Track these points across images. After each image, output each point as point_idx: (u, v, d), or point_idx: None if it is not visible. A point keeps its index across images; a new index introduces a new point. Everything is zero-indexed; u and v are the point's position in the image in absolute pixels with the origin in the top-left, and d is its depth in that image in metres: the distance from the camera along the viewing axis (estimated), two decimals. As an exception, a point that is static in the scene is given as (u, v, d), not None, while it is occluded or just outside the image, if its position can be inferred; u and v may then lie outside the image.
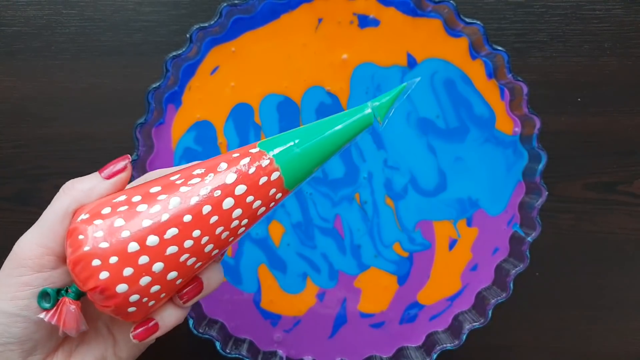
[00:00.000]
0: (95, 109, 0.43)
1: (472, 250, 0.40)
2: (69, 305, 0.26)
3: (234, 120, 0.39)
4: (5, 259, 0.44)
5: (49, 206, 0.28)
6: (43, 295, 0.26)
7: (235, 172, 0.27)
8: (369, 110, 0.28)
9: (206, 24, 0.36)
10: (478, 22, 0.36)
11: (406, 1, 0.38)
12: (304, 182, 0.29)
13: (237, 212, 0.27)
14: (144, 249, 0.25)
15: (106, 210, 0.26)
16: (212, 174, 0.27)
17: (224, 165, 0.27)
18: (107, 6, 0.43)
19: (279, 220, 0.40)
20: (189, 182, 0.27)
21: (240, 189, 0.27)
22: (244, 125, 0.39)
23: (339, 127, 0.28)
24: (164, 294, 0.27)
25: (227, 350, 0.38)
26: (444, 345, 0.39)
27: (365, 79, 0.38)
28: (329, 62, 0.38)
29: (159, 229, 0.26)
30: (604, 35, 0.43)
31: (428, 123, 0.39)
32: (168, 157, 0.39)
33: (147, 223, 0.25)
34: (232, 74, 0.38)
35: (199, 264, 0.27)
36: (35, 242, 0.26)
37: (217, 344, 0.38)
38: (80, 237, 0.25)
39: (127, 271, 0.25)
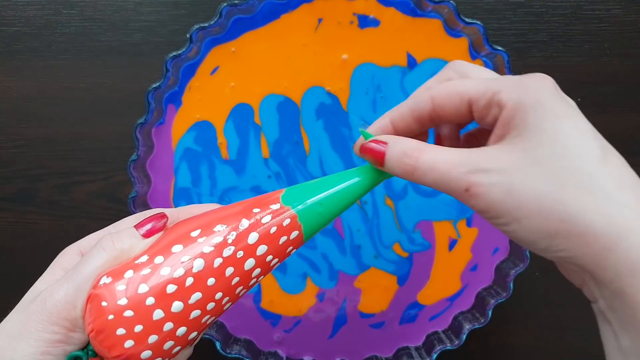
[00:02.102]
0: (95, 109, 0.43)
1: (472, 251, 0.40)
2: None
3: (234, 120, 0.39)
4: (5, 259, 0.44)
5: (83, 260, 0.26)
6: (73, 359, 0.25)
7: (258, 232, 0.26)
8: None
9: (206, 24, 0.36)
10: (478, 22, 0.36)
11: (406, 1, 0.38)
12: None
13: (257, 271, 0.27)
14: (168, 315, 0.25)
15: (129, 274, 0.25)
16: (234, 233, 0.26)
17: (245, 223, 0.27)
18: (107, 6, 0.43)
19: (279, 220, 0.40)
20: (212, 242, 0.26)
21: (262, 250, 0.27)
22: (244, 126, 0.39)
23: (359, 182, 0.28)
24: (179, 347, 0.27)
25: (227, 350, 0.38)
26: (444, 345, 0.39)
27: (365, 79, 0.38)
28: (329, 63, 0.38)
29: (183, 294, 0.25)
30: (604, 35, 0.43)
31: (428, 123, 0.39)
32: (168, 157, 0.39)
33: (171, 289, 0.25)
34: (232, 74, 0.38)
35: (213, 319, 0.27)
36: (71, 302, 0.25)
37: (217, 344, 0.38)
38: (104, 304, 0.24)
39: (152, 338, 0.25)
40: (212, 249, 0.26)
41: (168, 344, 0.25)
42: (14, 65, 0.43)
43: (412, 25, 0.38)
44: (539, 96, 0.23)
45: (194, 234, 0.26)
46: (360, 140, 0.27)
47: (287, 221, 0.27)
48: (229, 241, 0.26)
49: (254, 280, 0.27)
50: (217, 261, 0.26)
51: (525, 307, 0.44)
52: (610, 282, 0.22)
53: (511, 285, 0.38)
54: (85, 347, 0.26)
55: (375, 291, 0.40)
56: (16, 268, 0.45)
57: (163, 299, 0.25)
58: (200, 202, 0.39)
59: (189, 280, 0.25)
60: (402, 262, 0.40)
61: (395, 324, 0.41)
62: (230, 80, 0.38)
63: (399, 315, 0.41)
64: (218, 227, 0.26)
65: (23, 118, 0.43)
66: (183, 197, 0.39)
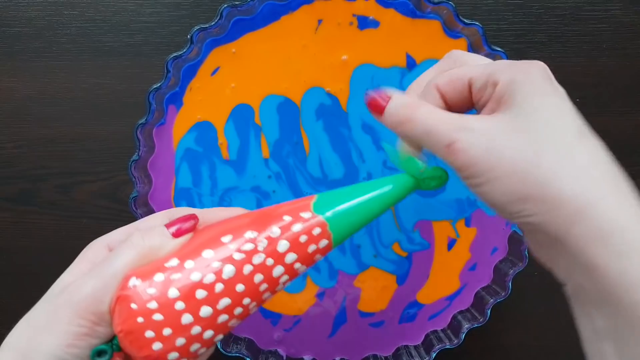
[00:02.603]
0: (96, 109, 0.43)
1: (471, 250, 0.40)
2: None
3: (235, 121, 0.39)
4: (6, 260, 0.44)
5: (112, 256, 0.26)
6: (99, 352, 0.26)
7: (288, 241, 0.27)
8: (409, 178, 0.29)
9: (207, 25, 0.36)
10: (477, 23, 0.37)
11: (405, 2, 0.38)
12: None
13: (284, 278, 0.27)
14: (197, 320, 0.25)
15: (159, 278, 0.25)
16: (265, 240, 0.26)
17: (276, 231, 0.27)
18: (108, 7, 0.43)
19: (279, 220, 0.40)
20: (242, 248, 0.26)
21: (291, 258, 0.27)
22: (245, 126, 0.39)
23: (391, 190, 0.28)
24: (205, 349, 0.27)
25: (228, 349, 0.38)
26: (443, 344, 0.39)
27: (365, 80, 0.39)
28: (328, 63, 0.38)
29: (212, 299, 0.25)
30: (603, 36, 0.43)
31: (427, 124, 0.39)
32: (169, 158, 0.39)
33: (201, 294, 0.25)
34: (232, 75, 0.38)
35: (240, 321, 0.28)
36: (98, 297, 0.25)
37: (218, 343, 0.38)
38: (133, 306, 0.25)
39: (180, 341, 0.25)
40: (243, 255, 0.26)
41: (194, 346, 0.26)
42: (15, 65, 0.43)
43: (412, 26, 0.38)
44: (529, 76, 0.24)
45: (225, 239, 0.26)
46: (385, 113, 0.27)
47: (318, 230, 0.27)
48: (260, 248, 0.26)
49: (281, 286, 0.27)
50: (247, 268, 0.26)
51: (523, 306, 0.45)
52: (580, 252, 0.22)
53: (510, 284, 0.38)
54: (110, 340, 0.26)
55: (375, 290, 0.40)
56: (17, 268, 0.45)
57: (192, 303, 0.25)
58: (200, 202, 0.39)
59: (219, 286, 0.25)
60: (401, 262, 0.40)
61: (394, 323, 0.41)
62: (230, 81, 0.39)
63: (398, 315, 0.41)
64: (249, 234, 0.27)
65: (24, 118, 0.44)
66: (184, 197, 0.39)
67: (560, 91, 0.25)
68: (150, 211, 0.39)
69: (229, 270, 0.26)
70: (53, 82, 0.43)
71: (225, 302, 0.26)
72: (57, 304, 0.26)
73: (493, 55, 0.37)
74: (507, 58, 0.37)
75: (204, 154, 0.39)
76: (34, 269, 0.45)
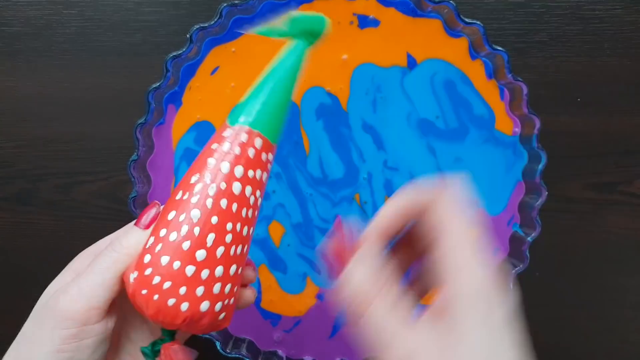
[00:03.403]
0: (95, 109, 0.43)
1: (472, 250, 0.40)
2: (172, 347, 0.28)
3: (234, 120, 0.39)
4: (5, 259, 0.44)
5: (96, 260, 0.28)
6: (153, 348, 0.28)
7: (226, 160, 0.28)
8: (293, 41, 0.30)
9: (206, 24, 0.36)
10: (478, 22, 0.36)
11: (406, 1, 0.38)
12: (283, 130, 0.30)
13: (248, 189, 0.28)
14: (199, 265, 0.26)
15: (147, 258, 0.27)
16: (208, 173, 0.28)
17: (212, 161, 0.28)
18: (108, 6, 0.43)
19: (279, 220, 0.40)
20: (194, 191, 0.27)
21: (239, 171, 0.28)
22: (244, 126, 0.39)
23: (278, 64, 0.30)
24: (236, 287, 0.28)
25: (227, 350, 0.38)
26: (444, 345, 0.39)
27: (365, 80, 0.38)
28: (329, 63, 0.38)
29: (199, 242, 0.27)
30: (604, 35, 0.43)
31: (428, 124, 0.39)
32: (168, 157, 0.39)
33: (187, 245, 0.26)
34: (232, 75, 0.38)
35: (246, 247, 0.29)
36: (84, 301, 0.26)
37: (217, 344, 0.38)
38: (144, 292, 0.26)
39: (200, 290, 0.26)
40: (198, 196, 0.27)
41: (216, 287, 0.27)
42: (14, 65, 0.43)
43: (412, 26, 0.38)
44: (472, 299, 0.24)
45: (178, 196, 0.28)
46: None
47: (244, 136, 0.28)
48: (208, 181, 0.27)
49: (253, 198, 0.28)
50: (209, 202, 0.27)
51: (524, 307, 0.44)
52: None
53: (511, 285, 0.38)
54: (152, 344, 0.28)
55: (375, 291, 0.40)
56: (16, 268, 0.45)
57: (185, 256, 0.26)
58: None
59: (197, 230, 0.26)
60: (402, 262, 0.40)
61: (395, 324, 0.41)
62: (230, 81, 0.38)
63: (398, 315, 0.41)
64: (193, 179, 0.28)
65: (23, 118, 0.44)
66: (183, 197, 0.39)
67: (501, 312, 0.25)
68: (150, 211, 0.39)
69: (195, 214, 0.27)
70: (52, 81, 0.43)
71: (211, 237, 0.27)
72: (42, 313, 0.27)
73: (494, 55, 0.37)
74: (508, 57, 0.37)
75: (204, 153, 0.39)
76: (34, 269, 0.45)
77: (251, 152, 0.28)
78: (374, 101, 0.39)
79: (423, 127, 0.39)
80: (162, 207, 0.29)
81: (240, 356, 0.38)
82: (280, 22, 0.30)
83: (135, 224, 0.28)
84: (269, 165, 0.29)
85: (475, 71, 0.39)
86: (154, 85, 0.36)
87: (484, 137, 0.39)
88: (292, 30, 0.30)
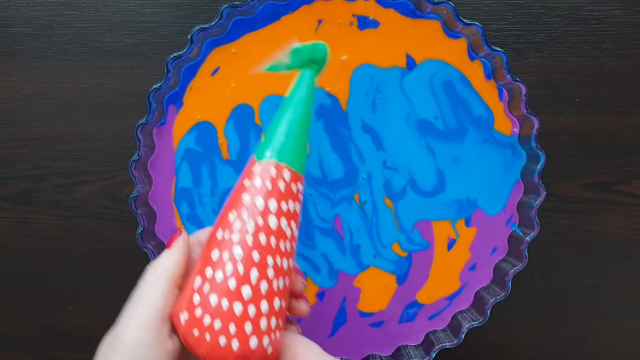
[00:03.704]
0: (96, 109, 0.43)
1: (471, 250, 0.40)
2: None
3: (235, 121, 0.39)
4: (6, 259, 0.44)
5: (138, 296, 0.28)
6: None
7: (260, 196, 0.29)
8: (301, 72, 0.32)
9: (207, 25, 0.36)
10: (477, 23, 0.37)
11: (405, 2, 0.38)
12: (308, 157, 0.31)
13: (284, 222, 0.29)
14: (246, 302, 0.27)
15: (196, 298, 0.28)
16: (244, 210, 0.29)
17: (246, 197, 0.29)
18: (108, 7, 0.43)
19: (279, 220, 0.40)
20: (234, 229, 0.28)
21: (273, 205, 0.29)
22: (245, 127, 0.39)
23: (291, 96, 0.31)
24: (281, 321, 0.29)
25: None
26: (443, 344, 0.39)
27: (364, 81, 0.39)
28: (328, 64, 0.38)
29: (244, 279, 0.27)
30: (603, 36, 0.43)
31: (427, 124, 0.39)
32: (169, 158, 0.39)
33: (233, 283, 0.27)
34: (232, 75, 0.38)
35: (287, 280, 0.29)
36: (140, 337, 0.27)
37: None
38: (195, 332, 0.27)
39: (248, 327, 0.27)
40: (238, 234, 0.28)
41: (263, 323, 0.28)
42: (15, 65, 0.43)
43: (412, 27, 0.38)
44: None
45: (219, 235, 0.29)
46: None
47: (273, 170, 0.29)
48: (245, 218, 0.28)
49: (289, 230, 0.29)
50: (249, 239, 0.28)
51: (523, 306, 0.45)
52: None
53: (510, 284, 0.38)
54: None
55: (375, 290, 0.41)
56: (17, 268, 0.45)
57: (233, 294, 0.27)
58: (201, 202, 0.39)
59: (240, 268, 0.28)
60: (401, 262, 0.40)
61: (394, 323, 0.41)
62: (230, 81, 0.39)
63: (398, 315, 0.41)
64: (231, 217, 0.29)
65: (24, 118, 0.44)
66: (184, 197, 0.39)
67: None
68: (151, 211, 0.39)
69: (237, 252, 0.28)
70: (53, 82, 0.43)
71: (254, 274, 0.28)
72: (107, 349, 0.27)
73: (493, 55, 0.37)
74: (507, 58, 0.37)
75: (204, 154, 0.39)
76: (34, 269, 0.45)
77: (282, 185, 0.29)
78: (373, 102, 0.39)
79: (422, 127, 0.39)
80: (184, 231, 0.30)
81: (240, 355, 0.38)
82: (283, 55, 0.31)
83: (166, 249, 0.30)
84: (300, 196, 0.30)
85: (474, 72, 0.39)
86: (155, 86, 0.36)
87: (482, 138, 0.39)
88: (296, 61, 0.32)
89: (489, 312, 0.38)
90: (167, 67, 0.36)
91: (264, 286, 0.28)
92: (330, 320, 0.41)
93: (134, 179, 0.37)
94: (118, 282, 0.45)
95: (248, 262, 0.28)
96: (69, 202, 0.44)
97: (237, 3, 0.36)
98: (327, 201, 0.40)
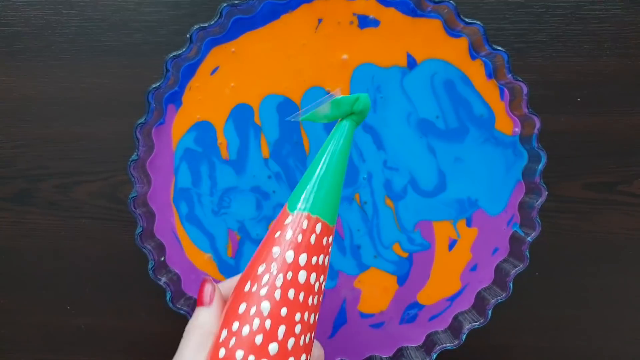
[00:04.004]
0: (95, 109, 0.43)
1: (472, 250, 0.40)
2: None
3: (234, 120, 0.39)
4: (5, 259, 0.44)
5: (182, 353, 0.29)
6: None
7: (290, 249, 0.28)
8: (341, 121, 0.31)
9: (206, 24, 0.36)
10: (478, 22, 0.36)
11: (406, 1, 0.38)
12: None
13: (313, 277, 0.29)
14: (272, 359, 0.27)
15: (222, 352, 0.27)
16: (274, 263, 0.28)
17: (276, 250, 0.28)
18: (108, 6, 0.43)
19: (279, 220, 0.40)
20: (262, 283, 0.28)
21: (303, 259, 0.28)
22: (244, 126, 0.39)
23: (329, 147, 0.30)
24: None
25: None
26: (444, 345, 0.39)
27: (365, 80, 0.38)
28: (328, 63, 0.38)
29: (271, 335, 0.27)
30: (604, 35, 0.43)
31: (428, 124, 0.39)
32: (168, 158, 0.39)
33: (259, 339, 0.27)
34: (232, 75, 0.38)
35: (313, 335, 0.29)
36: None
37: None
38: None
39: None
40: (267, 287, 0.27)
41: None
42: (14, 65, 0.43)
43: (412, 26, 0.38)
44: None
45: (247, 288, 0.28)
46: None
47: (305, 223, 0.29)
48: (275, 272, 0.28)
49: (318, 284, 0.29)
50: (277, 293, 0.27)
51: (524, 307, 0.44)
52: None
53: (511, 285, 0.38)
54: None
55: (375, 291, 0.40)
56: (16, 268, 0.45)
57: (259, 350, 0.27)
58: (200, 202, 0.39)
59: (268, 323, 0.27)
60: (401, 262, 0.40)
61: (395, 324, 0.41)
62: (230, 81, 0.38)
63: (398, 315, 0.41)
64: (260, 269, 0.28)
65: (23, 118, 0.44)
66: (183, 197, 0.39)
67: None
68: (150, 211, 0.39)
69: (265, 306, 0.27)
70: (52, 81, 0.43)
71: (282, 330, 0.27)
72: None
73: (494, 55, 0.37)
74: (508, 57, 0.37)
75: (204, 153, 0.39)
76: (33, 269, 0.45)
77: (313, 239, 0.29)
78: (374, 101, 0.39)
79: (423, 127, 0.39)
80: (212, 282, 0.30)
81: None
82: (324, 107, 0.31)
83: (198, 305, 0.30)
84: (329, 249, 0.30)
85: (475, 71, 0.39)
86: (154, 85, 0.36)
87: (483, 137, 0.39)
88: (337, 113, 0.31)
89: (490, 312, 0.38)
90: (166, 66, 0.36)
91: (290, 342, 0.27)
92: (330, 321, 0.41)
93: (132, 179, 0.37)
94: (117, 283, 0.45)
95: (275, 318, 0.27)
96: (67, 202, 0.44)
97: (236, 2, 0.36)
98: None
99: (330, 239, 0.30)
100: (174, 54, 0.36)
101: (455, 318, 0.40)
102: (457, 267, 0.40)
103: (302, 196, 0.30)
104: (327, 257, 0.29)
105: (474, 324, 0.38)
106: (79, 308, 0.45)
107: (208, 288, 0.30)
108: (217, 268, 0.40)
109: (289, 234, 0.29)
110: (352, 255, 0.40)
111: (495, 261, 0.40)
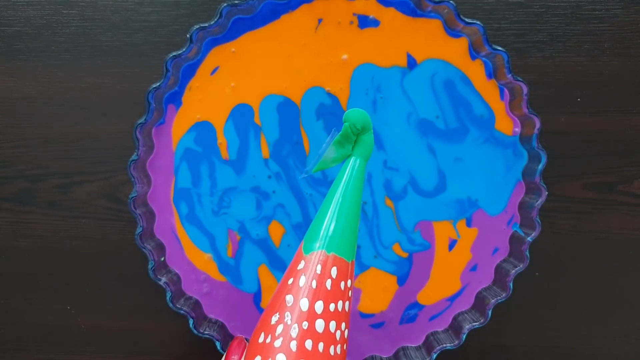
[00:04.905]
0: (95, 109, 0.43)
1: (472, 251, 0.40)
2: None
3: (234, 120, 0.39)
4: (5, 260, 0.44)
5: None
6: None
7: (305, 297, 0.27)
8: (354, 160, 0.30)
9: (206, 24, 0.36)
10: (478, 22, 0.36)
11: (406, 1, 0.38)
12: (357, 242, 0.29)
13: (332, 325, 0.27)
14: None
15: None
16: (288, 313, 0.27)
17: (290, 298, 0.27)
18: (108, 6, 0.43)
19: (279, 221, 0.40)
20: (277, 334, 0.26)
21: (319, 307, 0.27)
22: (244, 126, 0.39)
23: (342, 184, 0.29)
24: None
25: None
26: (444, 345, 0.39)
27: (365, 80, 0.38)
28: (329, 63, 0.38)
29: None
30: (604, 35, 0.43)
31: (428, 124, 0.39)
32: (168, 157, 0.39)
33: None
34: (232, 75, 0.38)
35: None
36: None
37: (217, 344, 0.38)
38: None
39: None
40: (282, 339, 0.26)
41: None
42: (14, 65, 0.43)
43: (412, 26, 0.38)
44: None
45: (260, 339, 0.27)
46: None
47: (319, 268, 0.27)
48: (289, 322, 0.26)
49: (339, 332, 0.27)
50: (293, 345, 0.26)
51: (524, 307, 0.44)
52: None
53: (511, 285, 0.38)
54: None
55: (375, 291, 0.40)
56: (16, 268, 0.45)
57: None
58: (200, 202, 0.39)
59: None
60: (401, 262, 0.40)
61: (395, 324, 0.41)
62: (230, 81, 0.38)
63: (398, 315, 0.41)
64: (273, 319, 0.27)
65: (23, 118, 0.44)
66: (183, 197, 0.39)
67: None
68: (150, 211, 0.39)
69: (281, 359, 0.26)
70: (52, 81, 0.43)
71: None
72: None
73: (494, 55, 0.37)
74: (508, 57, 0.36)
75: (204, 153, 0.39)
76: (33, 269, 0.45)
77: (329, 284, 0.27)
78: (374, 101, 0.39)
79: (423, 127, 0.39)
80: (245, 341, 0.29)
81: None
82: (330, 151, 0.30)
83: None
84: (349, 293, 0.28)
85: (475, 71, 0.39)
86: (154, 85, 0.36)
87: (484, 137, 0.39)
88: (343, 149, 0.30)
89: (490, 313, 0.38)
90: (166, 66, 0.36)
91: None
92: (330, 321, 0.41)
93: (133, 179, 0.37)
94: (117, 283, 0.45)
95: None
96: (67, 202, 0.44)
97: (236, 2, 0.36)
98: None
99: (349, 282, 0.28)
100: (174, 54, 0.36)
101: (455, 318, 0.40)
102: (457, 267, 0.40)
103: (317, 235, 0.28)
104: (347, 303, 0.28)
105: (474, 324, 0.38)
106: (79, 308, 0.45)
107: (239, 344, 0.30)
108: (217, 268, 0.40)
109: (302, 282, 0.27)
110: (352, 255, 0.40)
111: (495, 261, 0.40)
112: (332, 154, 0.31)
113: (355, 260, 0.29)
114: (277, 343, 0.26)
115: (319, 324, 0.26)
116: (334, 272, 0.27)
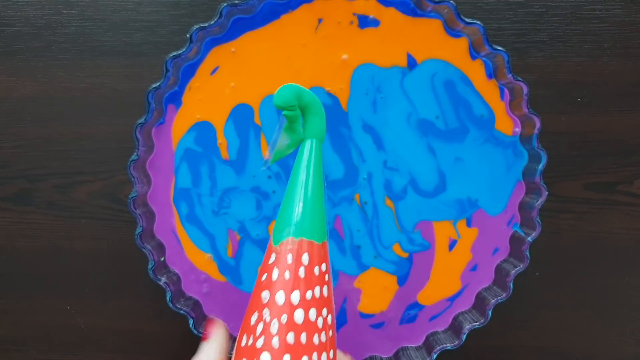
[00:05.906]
0: (95, 109, 0.43)
1: (472, 251, 0.40)
2: None
3: (234, 120, 0.39)
4: (5, 259, 0.44)
5: None
6: None
7: (281, 289, 0.26)
8: (309, 142, 0.30)
9: (206, 24, 0.36)
10: (478, 22, 0.36)
11: (406, 1, 0.38)
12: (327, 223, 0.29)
13: (312, 313, 0.26)
14: None
15: None
16: (266, 309, 0.26)
17: (266, 294, 0.26)
18: (107, 6, 0.43)
19: (279, 220, 0.40)
20: (258, 333, 0.26)
21: (295, 297, 0.26)
22: (244, 126, 0.39)
23: (303, 169, 0.29)
24: None
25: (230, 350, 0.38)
26: (444, 345, 0.39)
27: (365, 80, 0.38)
28: (328, 63, 0.38)
29: None
30: (604, 35, 0.43)
31: (428, 124, 0.39)
32: (168, 158, 0.39)
33: None
34: (232, 75, 0.38)
35: None
36: None
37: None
38: None
39: None
40: (263, 337, 0.25)
41: None
42: (13, 65, 0.43)
43: (412, 26, 0.38)
44: None
45: (243, 342, 0.26)
46: None
47: (290, 257, 0.27)
48: (267, 319, 0.26)
49: (321, 319, 0.27)
50: (275, 341, 0.25)
51: (525, 307, 0.44)
52: None
53: (511, 285, 0.38)
54: None
55: (375, 291, 0.40)
56: (15, 268, 0.45)
57: None
58: (200, 202, 0.39)
59: None
60: (402, 263, 0.40)
61: (395, 324, 0.41)
62: (230, 81, 0.38)
63: (399, 316, 0.41)
64: (253, 319, 0.26)
65: (23, 118, 0.44)
66: (183, 198, 0.39)
67: None
68: (149, 211, 0.39)
69: (265, 358, 0.25)
70: (52, 81, 0.43)
71: None
72: None
73: (494, 55, 0.37)
74: (509, 57, 0.36)
75: (204, 153, 0.39)
76: (32, 269, 0.45)
77: (302, 272, 0.26)
78: (374, 101, 0.39)
79: (423, 127, 0.39)
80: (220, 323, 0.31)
81: (240, 356, 0.38)
82: (282, 139, 0.30)
83: (202, 340, 0.32)
84: (326, 277, 0.27)
85: (475, 71, 0.39)
86: (154, 85, 0.36)
87: (484, 137, 0.39)
88: (295, 134, 0.30)
89: (490, 313, 0.38)
90: (166, 66, 0.36)
91: None
92: (330, 321, 0.41)
93: (132, 179, 0.37)
94: (117, 283, 0.45)
95: None
96: (67, 202, 0.44)
97: (236, 2, 0.36)
98: (327, 201, 0.39)
99: (324, 266, 0.27)
100: (174, 54, 0.36)
101: (456, 318, 0.40)
102: (457, 267, 0.40)
103: (284, 223, 0.28)
104: (324, 288, 0.27)
105: (474, 324, 0.38)
106: (79, 308, 0.45)
107: (212, 325, 0.31)
108: (217, 268, 0.40)
109: (275, 275, 0.26)
110: (352, 256, 0.40)
111: (495, 261, 0.40)
112: (285, 141, 0.31)
113: (327, 241, 0.29)
114: (259, 343, 0.25)
115: (298, 315, 0.26)
116: (305, 258, 0.27)
